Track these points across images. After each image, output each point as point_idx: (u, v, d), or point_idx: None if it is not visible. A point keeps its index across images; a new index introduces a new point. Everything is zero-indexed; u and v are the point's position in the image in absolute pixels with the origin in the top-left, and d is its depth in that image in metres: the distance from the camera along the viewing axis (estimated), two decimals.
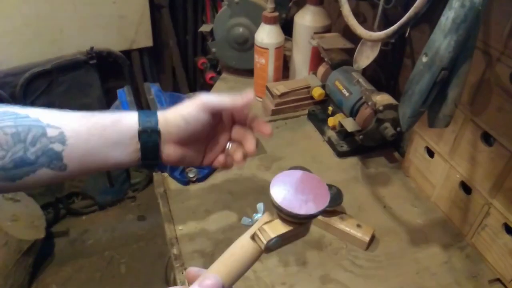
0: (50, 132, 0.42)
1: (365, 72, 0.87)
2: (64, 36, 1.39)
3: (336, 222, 0.64)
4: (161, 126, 0.46)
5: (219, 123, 0.50)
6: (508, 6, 0.50)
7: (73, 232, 1.62)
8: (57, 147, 0.41)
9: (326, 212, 0.64)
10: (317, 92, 0.88)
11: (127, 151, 0.45)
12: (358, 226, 0.63)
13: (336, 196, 0.64)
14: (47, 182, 0.43)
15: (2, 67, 1.33)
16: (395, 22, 0.51)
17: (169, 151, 0.47)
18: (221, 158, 0.51)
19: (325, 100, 0.89)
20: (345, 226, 0.63)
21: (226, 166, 0.51)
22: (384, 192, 0.72)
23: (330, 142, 0.83)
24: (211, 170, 0.75)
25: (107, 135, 0.44)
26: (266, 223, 0.38)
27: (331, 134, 0.84)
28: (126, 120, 0.45)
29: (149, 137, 0.45)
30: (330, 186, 0.65)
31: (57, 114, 0.45)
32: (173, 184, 0.73)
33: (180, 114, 0.46)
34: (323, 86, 0.88)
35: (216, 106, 0.47)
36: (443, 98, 0.46)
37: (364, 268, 0.60)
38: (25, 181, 0.41)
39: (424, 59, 0.44)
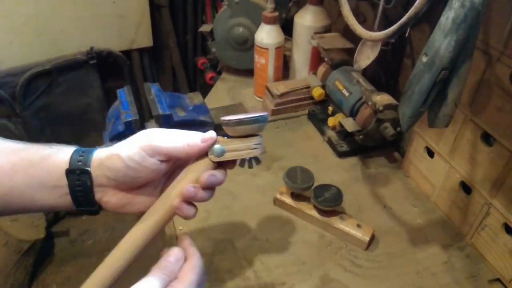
0: None
1: (365, 72, 0.87)
2: (64, 36, 1.39)
3: (336, 222, 0.64)
4: (95, 167, 0.39)
5: (175, 163, 0.43)
6: (508, 6, 0.50)
7: (73, 232, 1.62)
8: None
9: (325, 212, 0.64)
10: (317, 92, 0.88)
11: (55, 193, 0.39)
12: (358, 226, 0.63)
13: (336, 196, 0.64)
14: None
15: (2, 67, 1.33)
16: (395, 22, 0.51)
17: (107, 197, 0.41)
18: (176, 202, 0.40)
19: (325, 100, 0.89)
20: (345, 226, 0.63)
21: (184, 214, 0.41)
22: (384, 192, 0.72)
23: (330, 142, 0.83)
24: None
25: (32, 173, 0.38)
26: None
27: (331, 134, 0.84)
28: (57, 157, 0.40)
29: (78, 179, 0.39)
30: (329, 186, 0.65)
31: None
32: None
33: (119, 155, 0.39)
34: (323, 86, 0.88)
35: (166, 152, 0.40)
36: (443, 98, 0.46)
37: (364, 268, 0.60)
38: None
39: (424, 59, 0.44)
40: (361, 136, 0.74)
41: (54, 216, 1.62)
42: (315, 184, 0.65)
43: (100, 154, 0.40)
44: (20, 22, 1.30)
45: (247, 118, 0.40)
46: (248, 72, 1.03)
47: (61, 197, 0.40)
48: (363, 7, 0.85)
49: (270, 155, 0.80)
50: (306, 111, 0.91)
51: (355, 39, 0.70)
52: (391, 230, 0.66)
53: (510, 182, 0.54)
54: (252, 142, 0.41)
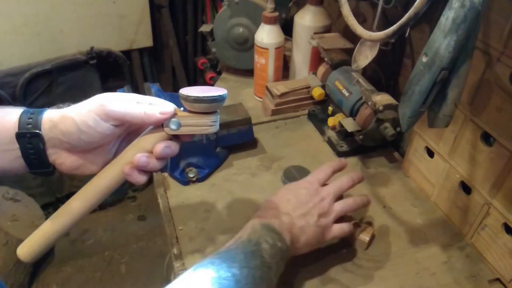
0: None
1: (365, 72, 0.87)
2: (64, 36, 1.40)
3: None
4: (47, 130, 0.39)
5: (129, 128, 0.44)
6: (508, 6, 0.50)
7: (73, 232, 1.62)
8: None
9: None
10: (317, 92, 0.88)
11: (7, 157, 0.39)
12: (358, 226, 0.63)
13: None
14: None
15: (2, 67, 1.33)
16: (395, 22, 0.51)
17: (61, 159, 0.41)
18: (126, 169, 0.41)
19: (325, 100, 0.89)
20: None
21: (134, 181, 0.42)
22: (384, 192, 0.73)
23: (330, 142, 0.83)
24: (212, 170, 0.76)
25: None
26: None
27: (331, 134, 0.84)
28: (4, 120, 0.39)
29: (29, 142, 0.38)
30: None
31: None
32: (173, 184, 0.73)
33: (73, 119, 0.39)
34: (323, 86, 0.88)
35: (121, 117, 0.40)
36: (443, 98, 0.46)
37: (364, 268, 0.60)
38: None
39: (424, 59, 0.44)
40: (361, 136, 0.74)
41: None
42: None
43: (52, 115, 0.40)
44: (20, 22, 1.31)
45: (206, 96, 0.41)
46: (248, 72, 1.04)
47: (14, 160, 0.39)
48: (363, 7, 0.85)
49: (270, 155, 0.80)
50: (306, 111, 0.91)
51: (355, 39, 0.70)
52: (391, 230, 0.66)
53: (510, 182, 0.54)
54: (209, 119, 0.42)
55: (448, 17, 0.41)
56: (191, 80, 1.78)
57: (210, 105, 0.41)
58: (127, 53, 1.55)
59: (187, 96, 0.41)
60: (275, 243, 0.48)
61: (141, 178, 0.42)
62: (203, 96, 0.41)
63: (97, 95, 0.41)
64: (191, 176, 0.73)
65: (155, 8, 1.55)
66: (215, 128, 0.43)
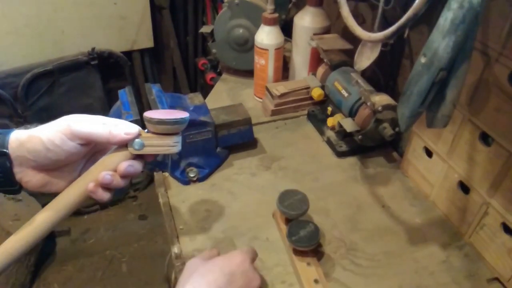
0: None
1: (364, 73, 0.88)
2: (66, 37, 1.40)
3: (301, 266, 0.58)
4: (14, 149, 0.40)
5: (95, 147, 0.45)
6: (506, 7, 0.50)
7: (75, 231, 1.63)
8: None
9: (298, 251, 0.59)
10: (317, 93, 0.88)
11: None
12: (316, 281, 0.55)
13: (312, 235, 0.58)
14: None
15: (4, 68, 1.33)
16: (394, 23, 0.51)
17: (28, 177, 0.42)
18: (91, 186, 0.42)
19: (325, 101, 0.90)
20: (306, 274, 0.57)
21: (98, 198, 0.43)
22: (383, 191, 0.73)
23: (329, 142, 0.83)
24: (212, 170, 0.76)
25: None
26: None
27: (330, 134, 0.84)
28: None
29: None
30: (307, 223, 0.59)
31: None
32: (174, 184, 0.74)
33: (40, 138, 0.40)
34: (323, 87, 0.88)
35: (87, 136, 0.41)
36: (442, 99, 0.46)
37: (363, 267, 0.60)
38: None
39: (423, 59, 0.44)
40: (360, 136, 0.75)
41: None
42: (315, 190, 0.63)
43: (19, 136, 0.41)
44: (22, 23, 1.31)
45: (168, 119, 0.42)
46: (248, 73, 1.04)
47: None
48: (362, 8, 0.85)
49: (270, 155, 0.81)
50: (306, 112, 0.92)
51: (354, 40, 0.70)
52: (390, 230, 0.66)
53: (508, 182, 0.55)
54: (171, 140, 0.44)
55: (446, 18, 0.41)
56: (192, 81, 1.79)
57: (172, 127, 0.43)
58: (128, 54, 1.56)
59: (151, 118, 0.42)
60: None
61: (105, 195, 0.43)
62: (165, 119, 0.42)
63: (64, 116, 0.43)
64: (192, 175, 0.73)
65: (156, 9, 1.55)
66: (177, 149, 0.45)
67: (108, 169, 0.43)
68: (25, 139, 0.41)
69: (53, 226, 0.42)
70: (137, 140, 0.43)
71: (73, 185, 0.43)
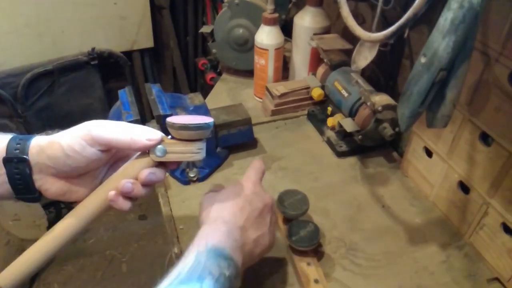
0: None
1: (364, 73, 0.88)
2: (66, 37, 1.40)
3: (302, 265, 0.58)
4: (34, 155, 0.39)
5: (116, 154, 0.44)
6: (507, 7, 0.50)
7: None
8: None
9: (298, 251, 0.59)
10: (317, 93, 0.88)
11: None
12: (316, 281, 0.55)
13: (312, 235, 0.58)
14: None
15: (4, 68, 1.33)
16: (394, 23, 0.51)
17: (47, 185, 0.40)
18: (111, 195, 0.40)
19: (325, 101, 0.90)
20: (308, 274, 0.57)
21: (118, 207, 0.41)
22: (383, 191, 0.73)
23: (329, 142, 0.83)
24: (212, 170, 0.76)
25: None
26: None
27: (330, 134, 0.84)
28: None
29: (16, 167, 0.38)
30: (307, 223, 0.59)
31: None
32: (174, 184, 0.74)
33: (60, 144, 0.39)
34: (323, 87, 0.88)
35: (108, 143, 0.40)
36: (442, 99, 0.46)
37: (363, 267, 0.60)
38: None
39: (423, 60, 0.44)
40: (360, 136, 0.75)
41: (55, 215, 1.62)
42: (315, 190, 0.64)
43: (40, 141, 0.40)
44: (22, 23, 1.31)
45: (192, 124, 0.41)
46: (248, 73, 1.04)
47: (0, 186, 0.39)
48: (362, 8, 0.85)
49: (270, 155, 0.81)
50: (306, 112, 0.92)
51: (354, 40, 0.70)
52: (390, 230, 0.66)
53: (508, 182, 0.55)
54: (194, 146, 0.42)
55: (446, 18, 0.41)
56: (192, 81, 1.79)
57: (196, 132, 0.41)
58: (128, 54, 1.56)
59: (173, 123, 0.41)
60: (222, 272, 0.40)
61: (125, 205, 0.41)
62: (189, 124, 0.41)
63: (85, 122, 0.41)
64: (192, 175, 0.73)
65: (156, 9, 1.55)
66: (201, 156, 0.43)
67: (129, 177, 0.41)
68: (45, 145, 0.39)
69: (73, 238, 0.41)
70: (159, 146, 0.41)
71: (94, 194, 0.42)
